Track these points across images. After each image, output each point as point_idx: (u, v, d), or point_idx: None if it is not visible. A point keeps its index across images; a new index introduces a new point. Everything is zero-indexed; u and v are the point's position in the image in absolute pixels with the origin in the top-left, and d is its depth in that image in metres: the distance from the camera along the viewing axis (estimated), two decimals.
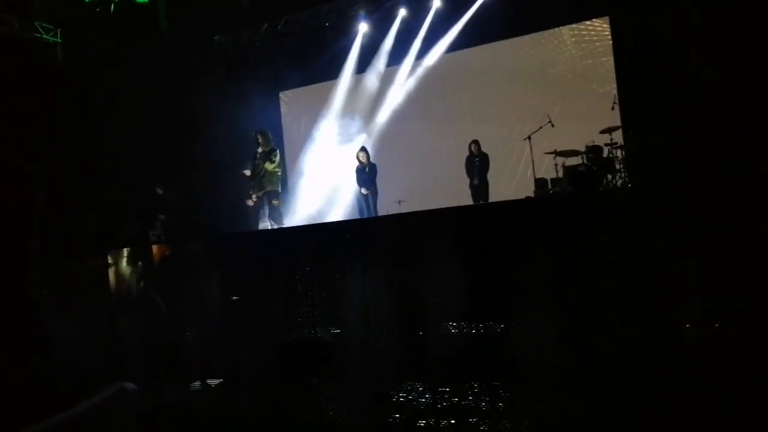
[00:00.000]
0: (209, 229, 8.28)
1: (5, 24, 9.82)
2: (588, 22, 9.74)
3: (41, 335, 0.95)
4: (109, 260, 5.03)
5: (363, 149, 9.35)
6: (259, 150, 8.40)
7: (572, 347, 3.56)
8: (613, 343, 3.43)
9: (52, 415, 0.85)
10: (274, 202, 8.40)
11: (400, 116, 10.84)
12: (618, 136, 8.30)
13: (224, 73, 11.29)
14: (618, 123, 8.47)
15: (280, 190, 8.63)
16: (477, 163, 9.15)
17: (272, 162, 8.34)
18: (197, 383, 4.70)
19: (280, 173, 8.61)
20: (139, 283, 5.14)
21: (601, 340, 3.49)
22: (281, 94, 12.07)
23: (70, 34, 10.47)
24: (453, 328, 3.95)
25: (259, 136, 8.46)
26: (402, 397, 3.86)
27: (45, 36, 10.33)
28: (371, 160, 9.30)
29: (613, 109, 8.54)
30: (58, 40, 10.49)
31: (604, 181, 7.92)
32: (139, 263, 5.17)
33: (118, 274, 5.11)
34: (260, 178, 8.36)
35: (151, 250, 5.43)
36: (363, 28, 10.82)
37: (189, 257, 5.26)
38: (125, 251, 5.19)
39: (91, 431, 0.91)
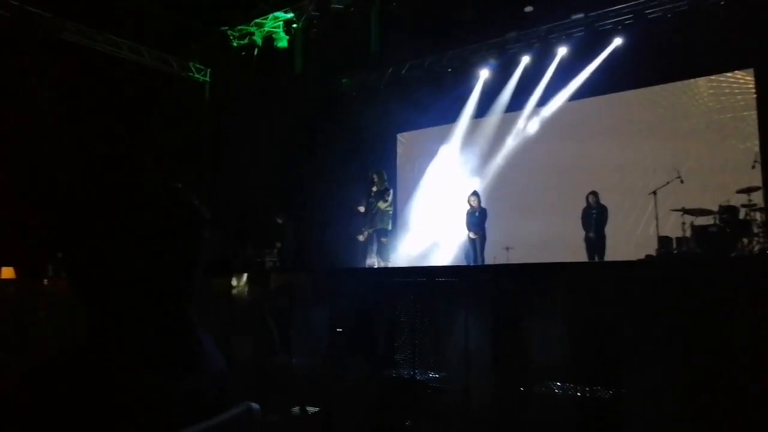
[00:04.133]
0: (320, 261, 8.64)
1: (166, 63, 11.19)
2: (729, 74, 9.11)
3: (199, 353, 1.09)
4: (233, 283, 5.43)
5: (474, 193, 9.34)
6: (374, 188, 8.70)
7: (685, 423, 3.25)
8: (730, 423, 3.09)
9: (192, 426, 0.97)
10: (383, 239, 8.61)
11: (515, 162, 10.74)
12: (758, 198, 7.58)
13: (349, 113, 11.91)
14: (759, 183, 7.75)
15: (390, 229, 8.84)
16: (594, 216, 8.77)
17: (385, 201, 8.59)
18: (297, 408, 4.87)
19: (391, 212, 8.83)
20: (254, 307, 5.48)
21: (717, 419, 3.16)
22: (399, 136, 12.46)
23: (218, 73, 11.68)
24: (557, 387, 3.78)
25: (375, 176, 8.78)
26: None
27: (197, 75, 11.60)
28: (482, 204, 9.26)
29: (753, 167, 7.86)
30: (207, 79, 11.72)
31: (739, 245, 7.23)
32: (256, 288, 5.53)
33: (238, 296, 5.49)
34: (372, 216, 8.63)
35: (268, 276, 5.78)
36: (484, 74, 10.95)
37: (300, 286, 5.53)
38: (245, 276, 5.58)
39: None
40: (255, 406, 1.10)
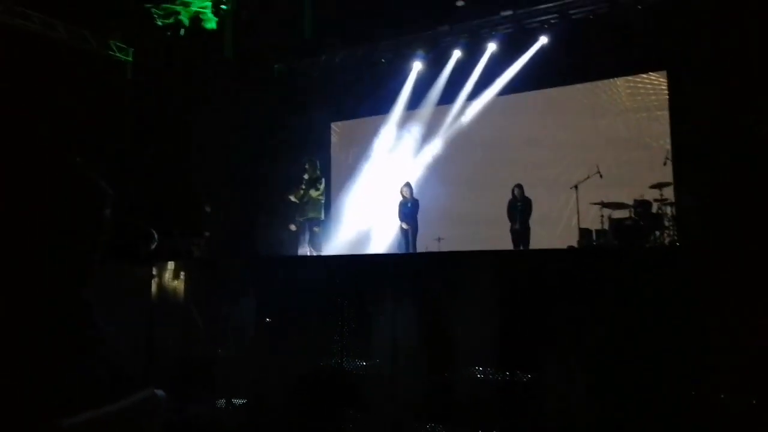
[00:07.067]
0: (250, 250, 8.47)
1: (84, 41, 10.52)
2: (644, 75, 9.66)
3: (93, 337, 1.03)
4: (153, 272, 5.21)
5: (407, 184, 9.44)
6: (306, 176, 8.62)
7: (599, 406, 3.45)
8: (643, 406, 3.31)
9: (92, 410, 0.92)
10: (315, 229, 8.56)
11: (446, 155, 10.93)
12: (669, 193, 8.11)
13: (280, 101, 11.68)
14: (670, 179, 8.29)
15: (322, 218, 8.79)
16: (519, 208, 9.08)
17: (317, 189, 8.54)
18: (222, 400, 4.77)
19: (323, 201, 8.79)
20: (178, 296, 5.30)
21: (631, 402, 3.37)
22: (333, 125, 12.37)
23: (141, 53, 11.10)
24: (479, 372, 3.90)
25: (307, 164, 8.70)
26: None
27: (118, 54, 10.98)
28: (414, 195, 9.37)
29: (665, 164, 8.40)
30: (129, 58, 11.13)
31: (651, 237, 7.72)
32: (181, 277, 5.34)
33: (161, 285, 5.28)
34: (304, 205, 8.55)
35: (193, 265, 5.60)
36: (417, 66, 11.05)
37: (228, 276, 5.39)
38: (169, 264, 5.37)
39: (123, 430, 0.97)
40: (160, 392, 1.06)
